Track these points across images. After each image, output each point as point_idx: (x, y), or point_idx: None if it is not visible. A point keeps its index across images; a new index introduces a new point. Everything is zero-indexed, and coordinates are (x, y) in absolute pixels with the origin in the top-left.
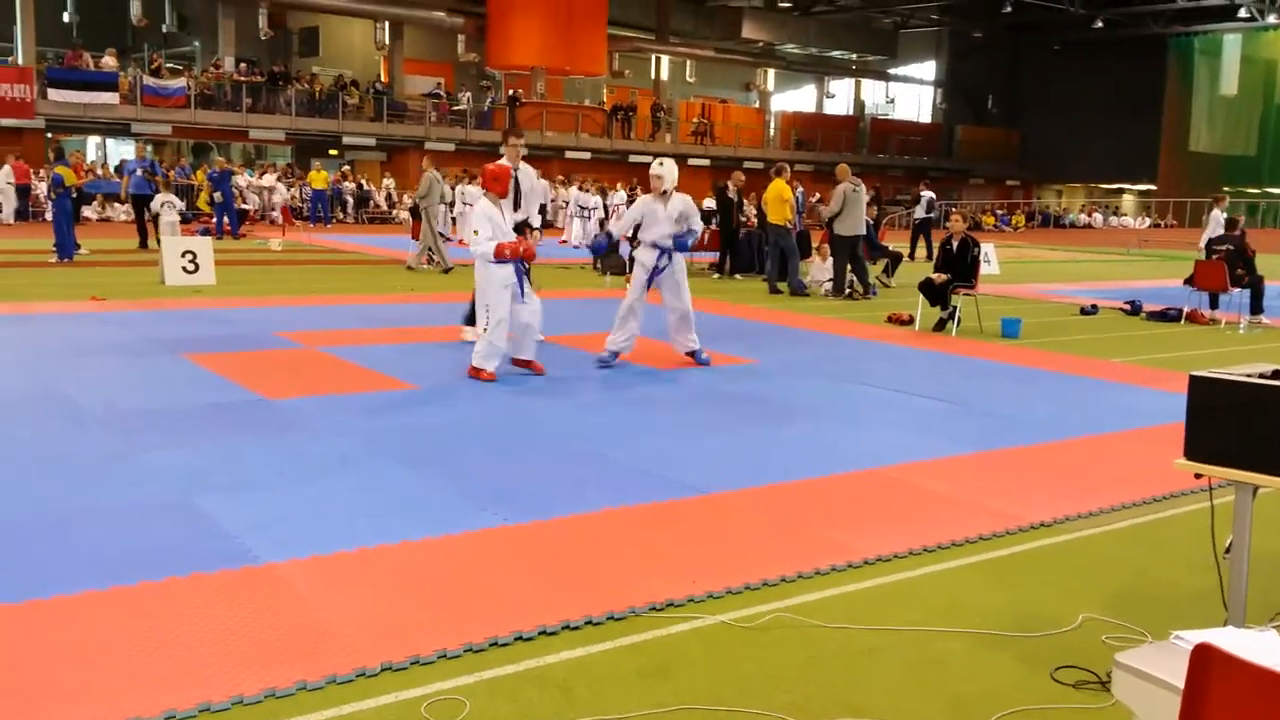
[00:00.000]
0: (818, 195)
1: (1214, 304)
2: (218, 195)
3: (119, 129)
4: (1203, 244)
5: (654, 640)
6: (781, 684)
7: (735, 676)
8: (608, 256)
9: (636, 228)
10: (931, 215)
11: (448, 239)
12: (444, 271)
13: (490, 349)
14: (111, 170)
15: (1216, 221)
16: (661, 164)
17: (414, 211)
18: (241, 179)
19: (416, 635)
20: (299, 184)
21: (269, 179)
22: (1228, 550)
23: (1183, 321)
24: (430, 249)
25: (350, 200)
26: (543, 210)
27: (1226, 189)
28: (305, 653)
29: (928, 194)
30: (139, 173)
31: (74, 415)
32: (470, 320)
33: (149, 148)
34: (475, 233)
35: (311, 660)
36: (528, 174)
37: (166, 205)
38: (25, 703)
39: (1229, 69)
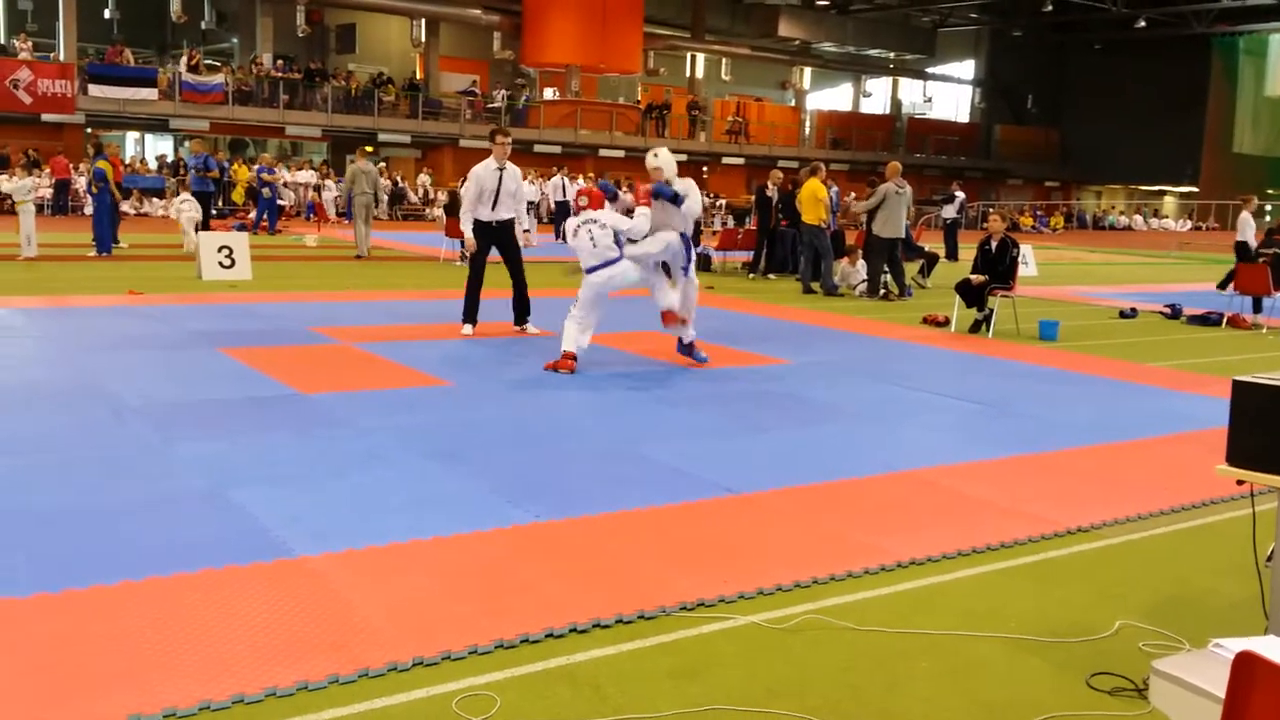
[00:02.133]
0: (852, 194)
1: (1257, 308)
2: (265, 191)
3: (157, 124)
4: (1235, 245)
5: (685, 640)
6: (813, 686)
7: (766, 678)
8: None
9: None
10: (960, 216)
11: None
12: (356, 258)
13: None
14: (151, 167)
15: (1246, 223)
16: (656, 155)
17: (448, 209)
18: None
19: (448, 630)
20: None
21: (304, 175)
22: (1269, 558)
23: (1224, 326)
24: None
25: (385, 197)
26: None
27: (1271, 191)
28: (338, 646)
29: (960, 194)
30: (194, 171)
31: (111, 407)
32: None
33: (195, 144)
34: (631, 241)
35: (344, 653)
36: (513, 174)
37: (187, 203)
38: (61, 692)
39: (1275, 69)
